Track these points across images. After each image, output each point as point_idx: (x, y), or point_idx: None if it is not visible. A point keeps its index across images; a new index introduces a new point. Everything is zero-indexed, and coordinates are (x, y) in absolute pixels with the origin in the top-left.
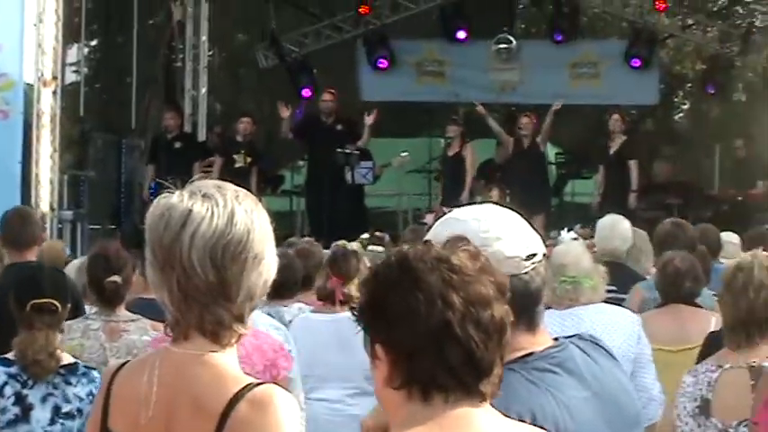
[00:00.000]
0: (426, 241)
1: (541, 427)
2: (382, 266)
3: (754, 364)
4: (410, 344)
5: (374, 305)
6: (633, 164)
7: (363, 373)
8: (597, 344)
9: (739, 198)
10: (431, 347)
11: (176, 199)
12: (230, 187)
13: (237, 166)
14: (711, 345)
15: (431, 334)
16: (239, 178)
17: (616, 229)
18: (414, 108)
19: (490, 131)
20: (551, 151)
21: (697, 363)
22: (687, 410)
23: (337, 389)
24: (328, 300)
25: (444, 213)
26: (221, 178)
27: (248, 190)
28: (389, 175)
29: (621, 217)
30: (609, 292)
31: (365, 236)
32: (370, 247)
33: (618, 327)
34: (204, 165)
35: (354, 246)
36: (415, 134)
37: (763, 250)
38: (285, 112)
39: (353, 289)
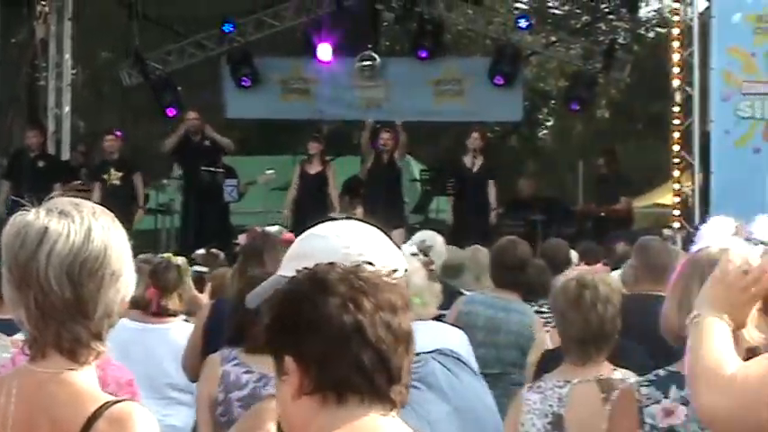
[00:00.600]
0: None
1: None
2: (290, 284)
3: (601, 377)
4: (323, 349)
5: (283, 319)
6: (492, 183)
7: (169, 384)
8: (458, 359)
9: (602, 214)
10: (344, 351)
11: (32, 216)
12: (87, 204)
13: (111, 183)
14: (548, 361)
15: (343, 337)
16: (114, 196)
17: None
18: (279, 126)
19: (353, 148)
20: (416, 168)
21: (534, 379)
22: (537, 427)
23: (149, 398)
24: (143, 309)
25: (263, 235)
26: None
27: (125, 207)
28: (255, 193)
29: (435, 233)
30: None
31: (201, 251)
32: (197, 267)
33: (447, 344)
34: (68, 188)
35: (180, 260)
36: (280, 152)
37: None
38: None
39: (170, 302)
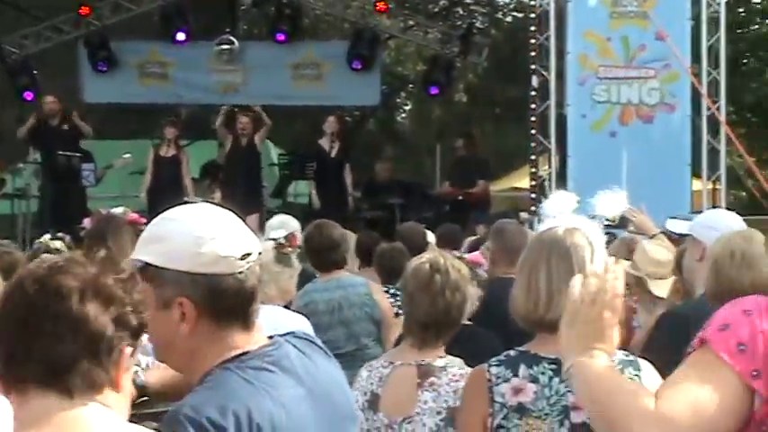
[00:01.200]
0: None
1: (258, 426)
2: None
3: (422, 363)
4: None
5: None
6: (348, 167)
7: None
8: (312, 342)
9: (460, 197)
10: (19, 344)
11: None
12: None
13: None
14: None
15: (14, 329)
16: None
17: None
18: (137, 110)
19: (211, 133)
20: (274, 152)
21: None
22: (359, 404)
23: None
24: None
25: (108, 217)
26: None
27: None
28: (113, 177)
29: (290, 217)
30: None
31: (47, 236)
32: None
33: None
34: None
35: (57, 244)
36: (138, 136)
37: (454, 249)
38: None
39: None
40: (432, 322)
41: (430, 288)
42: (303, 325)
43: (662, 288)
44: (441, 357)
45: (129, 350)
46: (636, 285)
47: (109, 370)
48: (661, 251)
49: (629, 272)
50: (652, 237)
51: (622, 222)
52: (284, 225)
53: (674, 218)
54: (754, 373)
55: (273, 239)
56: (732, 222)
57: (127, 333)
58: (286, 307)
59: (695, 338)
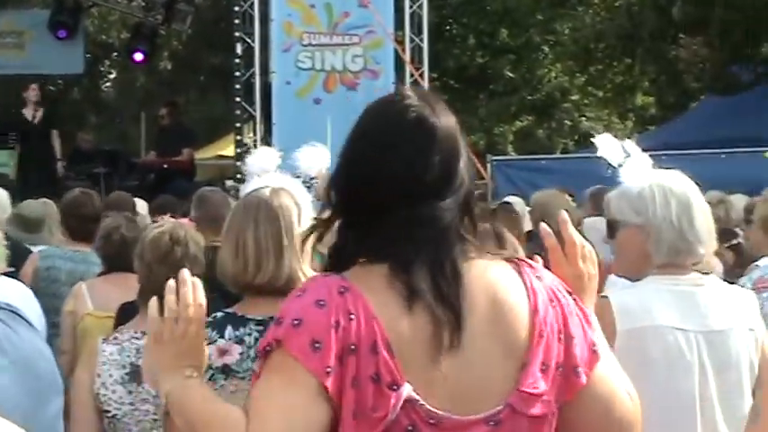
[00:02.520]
0: None
1: None
2: None
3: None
4: None
5: None
6: (55, 134)
7: None
8: (15, 313)
9: (165, 166)
10: None
11: None
12: None
13: None
14: (126, 314)
15: None
16: None
17: None
18: None
19: None
20: None
21: (115, 330)
22: (115, 378)
23: None
24: None
25: None
26: None
27: None
28: None
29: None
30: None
31: None
32: None
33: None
34: None
35: None
36: None
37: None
38: None
39: None
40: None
41: (169, 259)
42: (21, 294)
43: None
44: None
45: None
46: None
47: None
48: None
49: None
50: None
51: None
52: None
53: None
54: (328, 370)
55: None
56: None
57: None
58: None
59: (270, 332)
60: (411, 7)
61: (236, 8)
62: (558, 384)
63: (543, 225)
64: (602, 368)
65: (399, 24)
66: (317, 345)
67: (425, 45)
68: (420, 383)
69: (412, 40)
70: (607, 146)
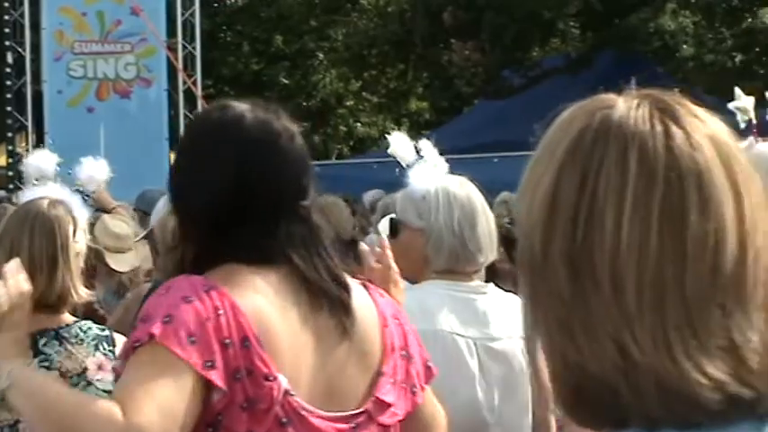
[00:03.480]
0: None
1: None
2: None
3: None
4: None
5: None
6: None
7: None
8: None
9: None
10: None
11: None
12: None
13: None
14: None
15: None
16: None
17: None
18: None
19: None
20: None
21: None
22: None
23: None
24: None
25: None
26: None
27: None
28: None
29: None
30: None
31: None
32: None
33: None
34: None
35: None
36: None
37: None
38: None
39: None
40: None
41: None
42: None
43: (121, 262)
44: None
45: None
46: (95, 258)
47: None
48: (121, 225)
49: (89, 245)
50: (111, 210)
51: None
52: None
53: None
54: (208, 364)
55: None
56: None
57: None
58: None
59: (138, 329)
60: (183, 15)
61: (6, 17)
62: (403, 400)
63: (362, 246)
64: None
65: (172, 32)
66: (192, 339)
67: (198, 52)
68: (293, 373)
69: (185, 48)
70: (399, 146)
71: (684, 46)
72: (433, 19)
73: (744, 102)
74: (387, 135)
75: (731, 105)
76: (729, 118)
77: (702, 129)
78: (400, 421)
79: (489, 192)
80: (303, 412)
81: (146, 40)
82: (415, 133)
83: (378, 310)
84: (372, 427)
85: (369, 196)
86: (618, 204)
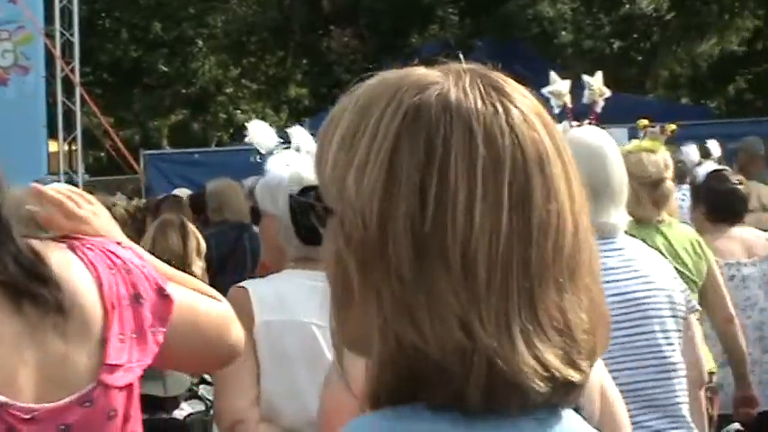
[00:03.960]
0: None
1: None
2: None
3: None
4: None
5: None
6: None
7: None
8: None
9: None
10: None
11: None
12: None
13: None
14: None
15: None
16: None
17: None
18: None
19: None
20: None
21: None
22: None
23: None
24: None
25: None
26: None
27: None
28: None
29: None
30: None
31: None
32: None
33: None
34: None
35: None
36: None
37: None
38: None
39: None
40: None
41: None
42: None
43: None
44: None
45: None
46: None
47: None
48: None
49: None
50: None
51: None
52: None
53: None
54: None
55: None
56: None
57: None
58: None
59: None
60: (61, 2)
61: None
62: (139, 350)
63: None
64: (178, 308)
65: (50, 19)
66: None
67: (76, 40)
68: (5, 382)
69: (62, 35)
70: (258, 133)
71: (563, 32)
72: (311, 6)
73: (559, 86)
74: (266, 122)
75: (545, 90)
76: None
77: (530, 105)
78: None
79: None
80: (27, 416)
81: (23, 28)
82: (295, 120)
83: (90, 269)
84: (112, 394)
85: (248, 182)
86: (469, 186)
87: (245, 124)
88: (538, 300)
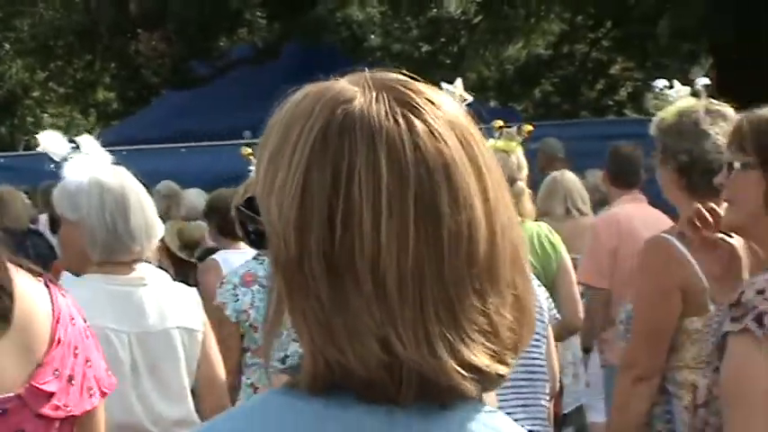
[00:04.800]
0: None
1: None
2: None
3: None
4: None
5: None
6: None
7: None
8: None
9: None
10: None
11: None
12: None
13: None
14: None
15: None
16: None
17: None
18: None
19: None
20: None
21: None
22: None
23: None
24: None
25: None
26: None
27: None
28: None
29: None
30: None
31: None
32: None
33: None
34: None
35: None
36: None
37: None
38: None
39: None
40: None
41: None
42: None
43: None
44: None
45: None
46: None
47: None
48: None
49: None
50: None
51: None
52: None
53: None
54: None
55: None
56: None
57: None
58: None
59: None
60: None
61: None
62: (74, 397)
63: None
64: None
65: None
66: None
67: None
68: None
69: None
70: (50, 142)
71: (372, 36)
72: (119, 8)
73: (454, 87)
74: (74, 126)
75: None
76: None
77: (442, 116)
78: (76, 418)
79: (179, 181)
80: None
81: None
82: (103, 123)
83: (53, 306)
84: (27, 416)
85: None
86: (374, 205)
87: (53, 128)
88: (457, 307)
